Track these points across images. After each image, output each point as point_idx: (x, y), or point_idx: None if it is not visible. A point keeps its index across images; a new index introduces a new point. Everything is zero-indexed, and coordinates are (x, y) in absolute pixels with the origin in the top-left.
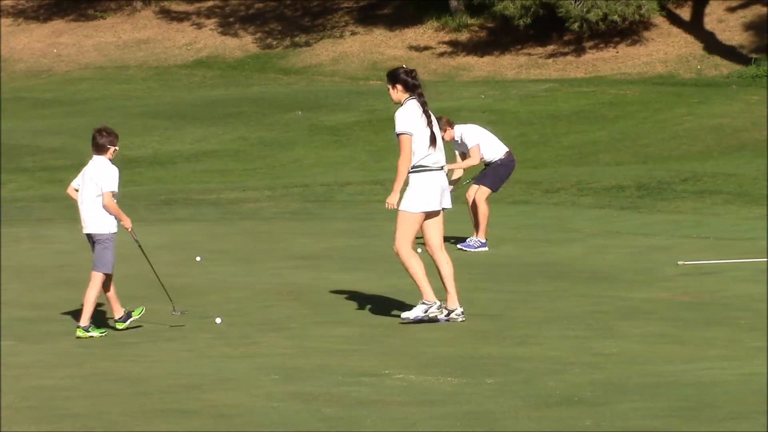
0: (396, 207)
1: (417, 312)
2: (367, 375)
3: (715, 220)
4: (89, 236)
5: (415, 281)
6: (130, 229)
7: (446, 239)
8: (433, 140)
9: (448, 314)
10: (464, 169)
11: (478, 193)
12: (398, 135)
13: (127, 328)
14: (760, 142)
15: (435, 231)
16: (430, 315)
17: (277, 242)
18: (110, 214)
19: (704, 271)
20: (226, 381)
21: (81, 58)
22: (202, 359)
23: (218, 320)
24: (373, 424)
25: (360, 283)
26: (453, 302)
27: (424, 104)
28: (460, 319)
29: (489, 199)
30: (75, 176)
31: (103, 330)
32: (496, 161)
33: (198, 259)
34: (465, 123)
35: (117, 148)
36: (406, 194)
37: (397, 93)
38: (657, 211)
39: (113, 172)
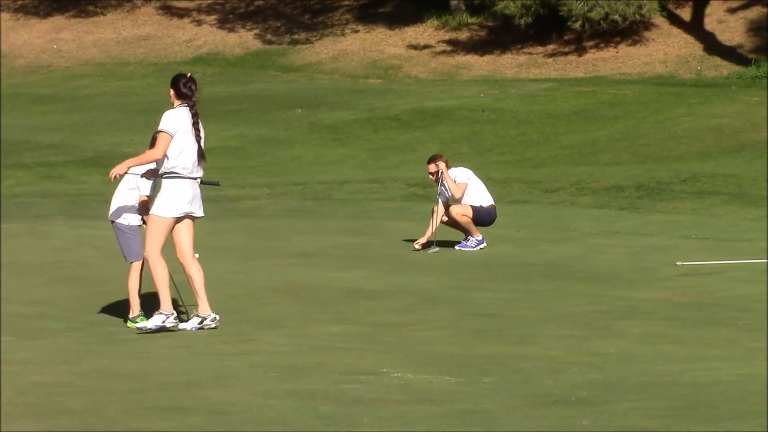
0: (119, 177)
1: (155, 321)
2: (365, 373)
3: (714, 220)
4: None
5: (157, 288)
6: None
7: (447, 243)
8: (201, 156)
9: (201, 322)
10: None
11: (454, 208)
12: (158, 132)
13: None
14: (759, 143)
15: (185, 237)
16: (168, 325)
17: (276, 240)
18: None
19: (703, 271)
20: (223, 378)
21: (81, 54)
22: (199, 356)
23: (216, 317)
24: (371, 423)
25: (358, 281)
26: (205, 308)
27: (195, 116)
28: (213, 325)
29: None
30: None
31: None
32: (478, 206)
33: (196, 256)
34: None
35: None
36: (158, 199)
37: (172, 97)
38: (656, 212)
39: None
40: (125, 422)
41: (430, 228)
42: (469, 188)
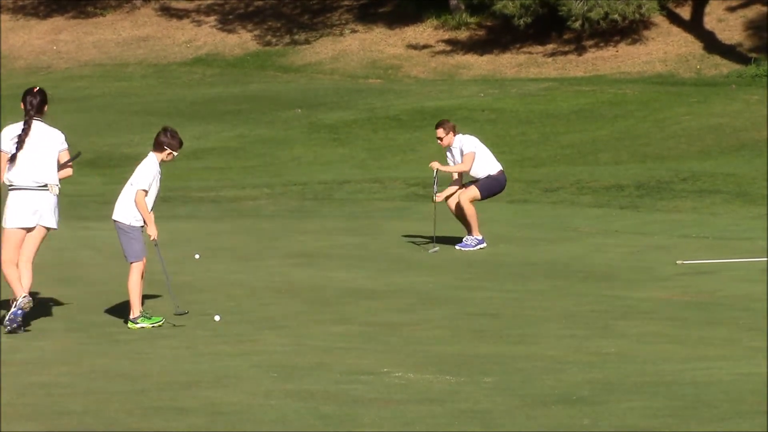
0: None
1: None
2: (366, 373)
3: (714, 219)
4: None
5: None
6: (152, 238)
7: (447, 240)
8: (14, 159)
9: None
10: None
11: (463, 195)
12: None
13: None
14: (759, 141)
15: (29, 244)
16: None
17: (276, 240)
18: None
19: (703, 270)
20: (223, 379)
21: (80, 56)
22: (199, 357)
23: (217, 318)
24: (372, 422)
25: (358, 281)
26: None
27: (26, 124)
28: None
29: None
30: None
31: (158, 319)
32: (485, 176)
33: (197, 256)
34: (465, 135)
35: (176, 154)
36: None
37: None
38: (656, 211)
39: (149, 171)
40: (125, 423)
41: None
42: (476, 158)
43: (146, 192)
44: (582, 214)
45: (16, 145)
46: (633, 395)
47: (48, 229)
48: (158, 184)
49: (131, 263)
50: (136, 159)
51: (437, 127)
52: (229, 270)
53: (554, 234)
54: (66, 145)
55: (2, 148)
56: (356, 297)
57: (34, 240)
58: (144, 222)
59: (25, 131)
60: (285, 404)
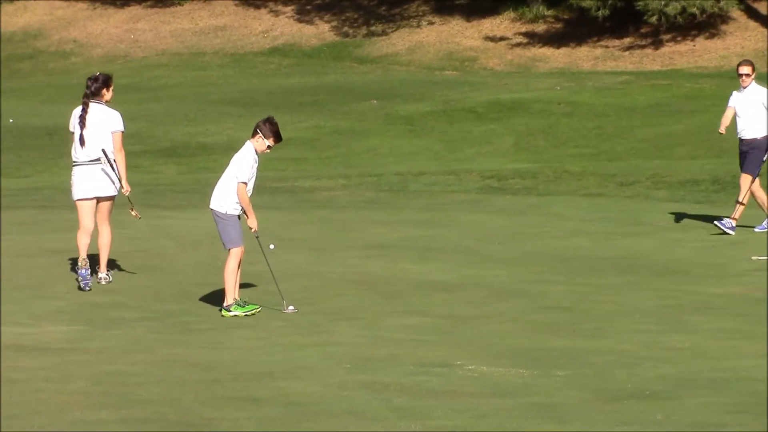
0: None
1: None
2: (438, 365)
3: None
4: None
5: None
6: (253, 230)
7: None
8: (75, 138)
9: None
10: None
11: (743, 183)
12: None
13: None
14: None
15: (101, 212)
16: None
17: (351, 231)
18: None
19: None
20: (297, 369)
21: (158, 45)
22: (273, 347)
23: (272, 246)
24: (444, 415)
25: (432, 273)
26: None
27: (84, 106)
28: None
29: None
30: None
31: (253, 307)
32: (754, 139)
33: (272, 246)
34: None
35: (271, 145)
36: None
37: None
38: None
39: (248, 162)
40: (199, 412)
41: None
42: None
43: (246, 184)
44: (657, 209)
45: (76, 126)
46: (706, 391)
47: (111, 197)
48: (256, 173)
49: (229, 249)
50: (212, 148)
51: (745, 64)
52: (304, 261)
53: (628, 228)
54: (121, 127)
55: (70, 128)
56: (430, 289)
57: (102, 208)
58: (243, 212)
59: (83, 112)
60: (358, 395)
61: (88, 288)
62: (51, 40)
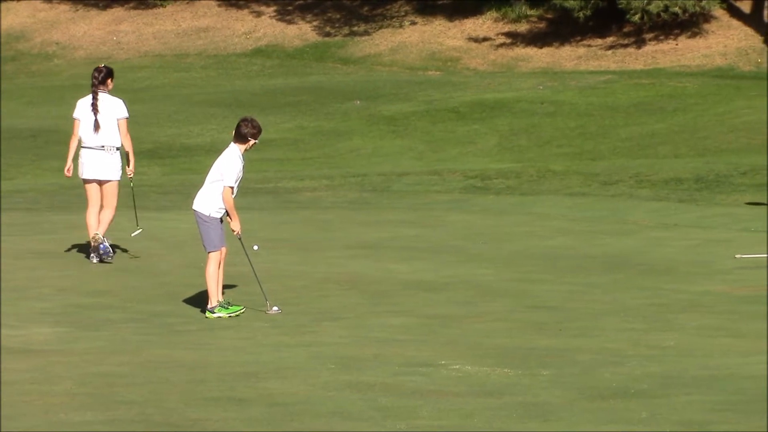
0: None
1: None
2: (424, 365)
3: None
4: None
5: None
6: (236, 233)
7: None
8: (84, 123)
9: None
10: None
11: None
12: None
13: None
14: None
15: (106, 194)
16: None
17: (335, 231)
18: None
19: (762, 264)
20: (282, 370)
21: (140, 46)
22: (258, 348)
23: (255, 247)
24: (429, 414)
25: (417, 273)
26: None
27: (94, 94)
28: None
29: None
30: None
31: (237, 308)
32: None
33: (255, 247)
34: None
35: (257, 141)
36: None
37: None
38: (715, 204)
39: (234, 166)
40: (184, 413)
41: None
42: None
43: (233, 189)
44: (641, 208)
45: (85, 112)
46: (692, 389)
47: (111, 181)
48: (241, 174)
49: (208, 253)
50: (195, 149)
51: None
52: (288, 261)
53: (613, 227)
54: (126, 114)
55: (75, 115)
56: (415, 289)
57: (107, 189)
58: (227, 214)
59: (94, 100)
60: (343, 395)
61: (109, 258)
62: (33, 42)
